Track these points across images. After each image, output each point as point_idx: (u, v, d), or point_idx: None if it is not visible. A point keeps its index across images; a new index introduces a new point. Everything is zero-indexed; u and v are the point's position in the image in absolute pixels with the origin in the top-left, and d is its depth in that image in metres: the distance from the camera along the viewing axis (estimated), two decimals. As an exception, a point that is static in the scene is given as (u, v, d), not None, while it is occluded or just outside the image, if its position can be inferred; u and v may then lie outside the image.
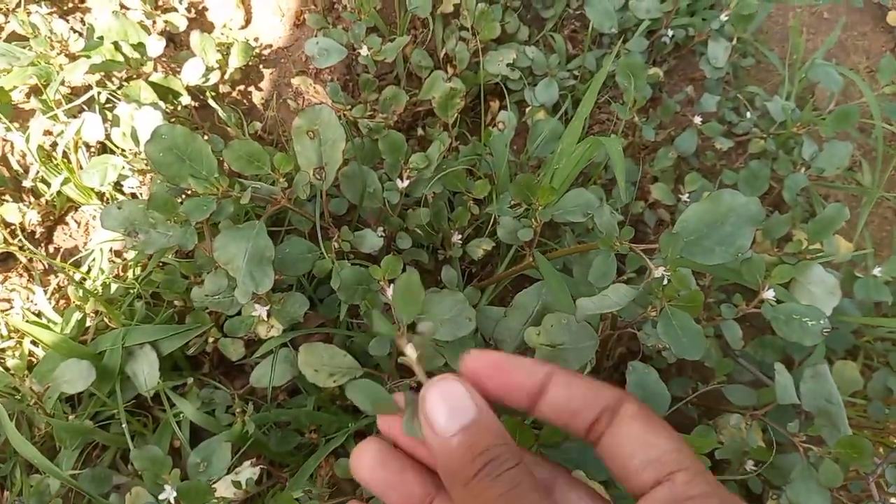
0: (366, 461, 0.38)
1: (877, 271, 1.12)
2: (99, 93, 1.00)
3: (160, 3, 1.17)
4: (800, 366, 1.07)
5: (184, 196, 0.78)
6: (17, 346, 0.96)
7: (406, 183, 0.96)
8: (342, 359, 0.87)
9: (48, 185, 1.00)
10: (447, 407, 0.36)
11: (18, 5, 1.09)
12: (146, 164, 0.90)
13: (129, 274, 0.97)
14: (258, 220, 0.80)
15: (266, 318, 0.84)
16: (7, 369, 0.95)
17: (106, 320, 0.90)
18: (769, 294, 0.89)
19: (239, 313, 0.87)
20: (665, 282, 0.75)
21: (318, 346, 0.87)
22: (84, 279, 0.97)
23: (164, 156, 0.76)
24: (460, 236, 1.00)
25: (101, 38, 0.97)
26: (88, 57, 0.93)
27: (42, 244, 1.03)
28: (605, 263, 0.82)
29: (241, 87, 1.18)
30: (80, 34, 1.01)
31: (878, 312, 1.19)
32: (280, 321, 0.84)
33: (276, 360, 0.87)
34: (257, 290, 0.77)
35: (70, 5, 1.16)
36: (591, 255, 0.89)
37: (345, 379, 0.88)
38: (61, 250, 1.04)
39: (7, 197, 1.02)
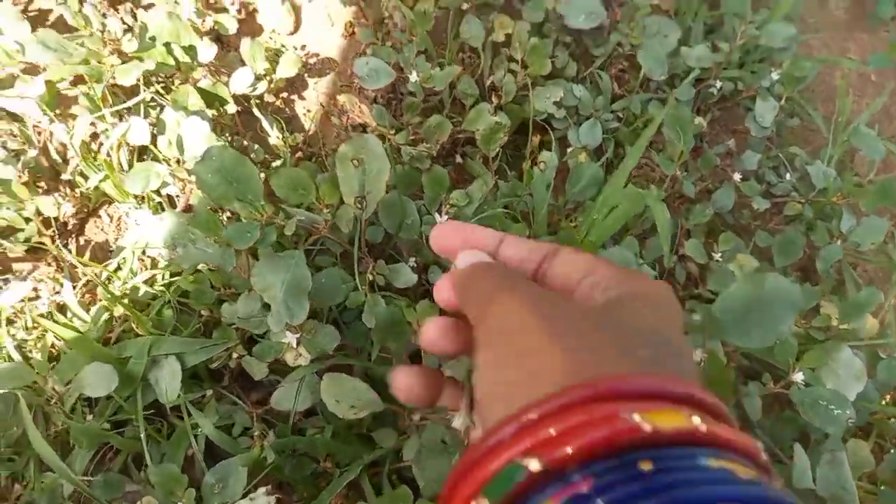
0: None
1: (900, 353, 1.11)
2: (148, 96, 0.99)
3: (211, 0, 1.16)
4: (815, 445, 1.07)
5: (226, 215, 0.77)
6: (41, 337, 0.96)
7: (445, 218, 0.95)
8: (365, 393, 0.87)
9: (86, 178, 0.99)
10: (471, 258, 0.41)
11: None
12: (188, 175, 0.90)
13: (158, 278, 0.97)
14: (296, 249, 0.79)
15: (295, 346, 0.84)
16: (28, 359, 0.95)
17: (133, 325, 0.89)
18: (798, 377, 0.89)
19: (265, 333, 0.87)
20: (700, 364, 0.75)
21: (342, 378, 0.87)
22: (111, 278, 0.97)
23: (213, 177, 0.76)
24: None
25: (153, 38, 0.96)
26: (141, 60, 0.92)
27: (73, 236, 1.03)
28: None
29: (284, 95, 1.17)
30: (131, 29, 1.00)
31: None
32: (309, 351, 0.84)
33: (301, 387, 0.87)
34: (291, 322, 0.76)
35: (121, -7, 1.16)
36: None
37: (364, 412, 0.88)
38: (91, 243, 1.03)
39: (42, 184, 1.01)
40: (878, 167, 1.35)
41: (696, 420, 0.26)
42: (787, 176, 1.27)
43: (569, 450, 0.25)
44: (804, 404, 0.87)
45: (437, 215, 0.96)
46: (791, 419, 1.04)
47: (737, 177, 1.23)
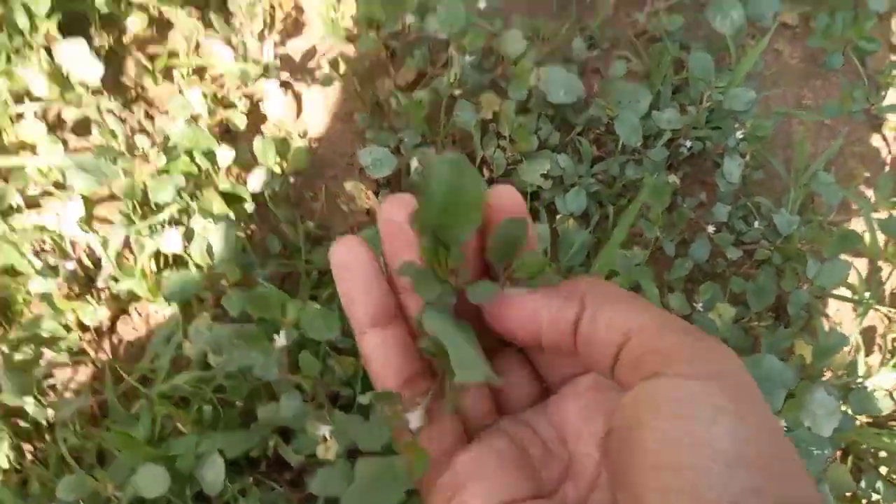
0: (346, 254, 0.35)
1: (869, 384, 1.23)
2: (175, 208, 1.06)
3: (219, 96, 1.23)
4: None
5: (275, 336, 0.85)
6: (89, 439, 1.02)
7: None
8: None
9: (117, 280, 1.06)
10: None
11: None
12: (220, 281, 0.97)
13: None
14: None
15: (328, 438, 0.91)
16: (79, 462, 1.01)
17: (179, 425, 0.96)
18: (781, 422, 1.00)
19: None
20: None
21: (376, 461, 0.94)
22: (148, 378, 1.04)
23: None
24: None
25: (176, 146, 1.03)
26: (168, 172, 0.99)
27: (106, 335, 1.09)
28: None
29: (292, 180, 1.24)
30: (148, 134, 1.06)
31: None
32: (339, 443, 0.91)
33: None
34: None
35: (133, 94, 1.22)
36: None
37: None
38: (124, 342, 1.10)
39: (75, 288, 1.08)
40: (837, 207, 1.48)
41: None
42: (756, 224, 1.39)
43: None
44: (788, 451, 0.98)
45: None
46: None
47: (710, 229, 1.35)
